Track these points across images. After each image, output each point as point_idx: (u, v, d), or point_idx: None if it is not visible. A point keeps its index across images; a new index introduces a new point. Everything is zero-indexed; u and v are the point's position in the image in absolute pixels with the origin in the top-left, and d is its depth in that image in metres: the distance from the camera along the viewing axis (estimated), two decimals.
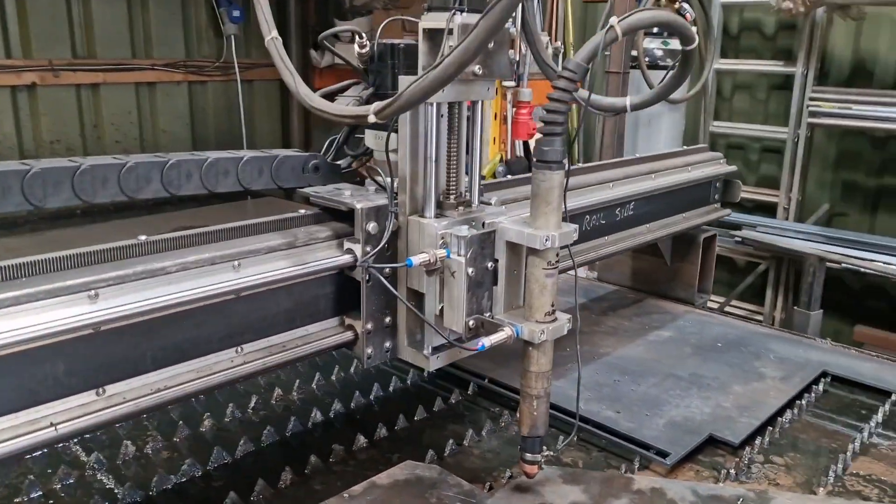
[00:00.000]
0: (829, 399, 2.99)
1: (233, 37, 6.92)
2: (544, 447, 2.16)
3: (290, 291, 2.12)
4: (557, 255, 2.00)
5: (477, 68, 2.02)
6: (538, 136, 1.94)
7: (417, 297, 2.21)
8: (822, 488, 2.38)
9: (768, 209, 7.10)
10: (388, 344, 2.27)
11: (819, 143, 7.08)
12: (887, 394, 2.99)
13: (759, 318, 7.16)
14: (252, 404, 2.79)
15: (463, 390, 2.96)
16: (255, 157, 2.21)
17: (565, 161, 1.93)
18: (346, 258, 2.15)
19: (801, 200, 7.07)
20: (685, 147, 4.00)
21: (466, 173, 2.24)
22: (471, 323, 2.07)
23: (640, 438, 2.56)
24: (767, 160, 7.44)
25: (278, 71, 2.15)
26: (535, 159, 1.94)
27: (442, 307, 2.14)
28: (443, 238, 2.08)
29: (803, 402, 2.91)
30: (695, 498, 2.21)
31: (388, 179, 2.13)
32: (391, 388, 2.96)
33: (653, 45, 5.53)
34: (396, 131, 2.13)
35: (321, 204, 2.26)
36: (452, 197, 2.18)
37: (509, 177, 2.91)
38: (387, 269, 2.11)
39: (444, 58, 1.71)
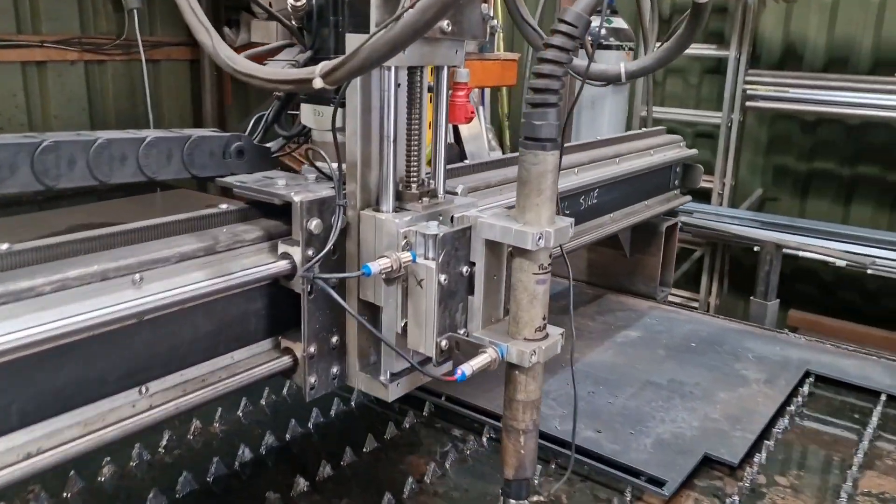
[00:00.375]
0: (817, 402, 2.73)
1: (135, 11, 6.21)
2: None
3: (210, 310, 1.65)
4: (550, 256, 1.61)
5: (446, 24, 1.61)
6: (527, 109, 1.54)
7: (371, 311, 1.79)
8: None
9: (701, 195, 6.98)
10: (335, 369, 1.83)
11: (751, 128, 7.00)
12: (876, 394, 2.76)
13: (695, 304, 7.06)
14: (164, 442, 2.29)
15: (417, 411, 2.54)
16: (162, 138, 1.73)
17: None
18: (283, 265, 1.70)
19: (734, 185, 7.00)
20: (644, 129, 3.69)
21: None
22: (443, 343, 1.66)
23: (628, 464, 2.22)
24: (699, 145, 7.31)
25: (190, 28, 1.66)
26: (522, 137, 1.54)
27: (405, 323, 1.72)
28: (406, 237, 1.66)
29: (793, 407, 2.64)
30: None
31: (334, 165, 1.69)
32: (333, 413, 2.52)
33: (594, 23, 5.20)
34: (343, 106, 1.70)
35: (248, 196, 1.79)
36: (414, 185, 1.76)
37: (466, 161, 2.51)
38: (334, 280, 1.67)
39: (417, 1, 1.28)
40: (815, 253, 5.11)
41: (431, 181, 1.82)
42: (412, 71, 1.72)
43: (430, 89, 1.81)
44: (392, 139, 1.69)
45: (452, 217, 1.76)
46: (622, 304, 3.52)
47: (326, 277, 1.58)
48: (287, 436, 2.37)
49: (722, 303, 7.15)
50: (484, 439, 2.39)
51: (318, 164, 1.84)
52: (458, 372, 1.54)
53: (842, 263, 5.64)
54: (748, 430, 2.43)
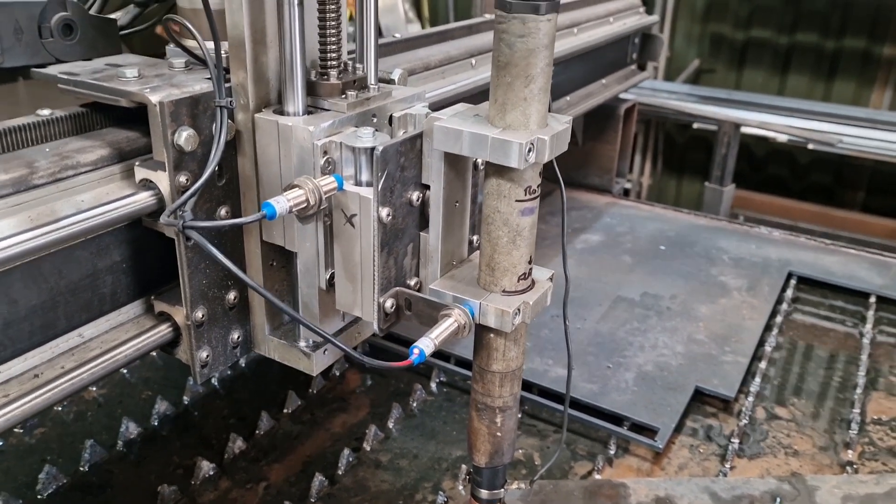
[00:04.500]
0: (805, 309, 2.41)
1: None
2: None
3: (34, 273, 1.10)
4: (541, 174, 1.11)
5: None
6: None
7: (283, 256, 1.27)
8: (850, 451, 1.79)
9: None
10: (236, 335, 1.32)
11: None
12: (865, 295, 2.46)
13: (627, 185, 6.78)
14: None
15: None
16: None
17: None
18: (144, 198, 1.14)
19: (669, 58, 6.60)
20: None
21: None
22: (387, 303, 1.17)
23: (610, 409, 1.83)
24: None
25: None
26: None
27: (332, 275, 1.21)
28: (326, 153, 1.13)
29: (780, 318, 2.31)
30: None
31: (209, 44, 1.11)
32: (242, 364, 2.02)
33: None
34: None
35: (81, 95, 1.20)
36: (333, 73, 1.20)
37: (397, 35, 1.93)
38: (223, 226, 1.13)
39: None
40: (784, 133, 4.75)
41: (358, 65, 1.26)
42: None
43: None
44: (297, 1, 1.11)
45: (392, 117, 1.22)
46: (576, 200, 3.08)
47: (202, 226, 1.03)
48: (185, 399, 1.87)
49: (654, 183, 6.90)
50: (432, 385, 1.96)
51: (187, 42, 1.25)
52: (415, 352, 1.06)
53: (783, 139, 5.38)
54: (739, 352, 2.08)
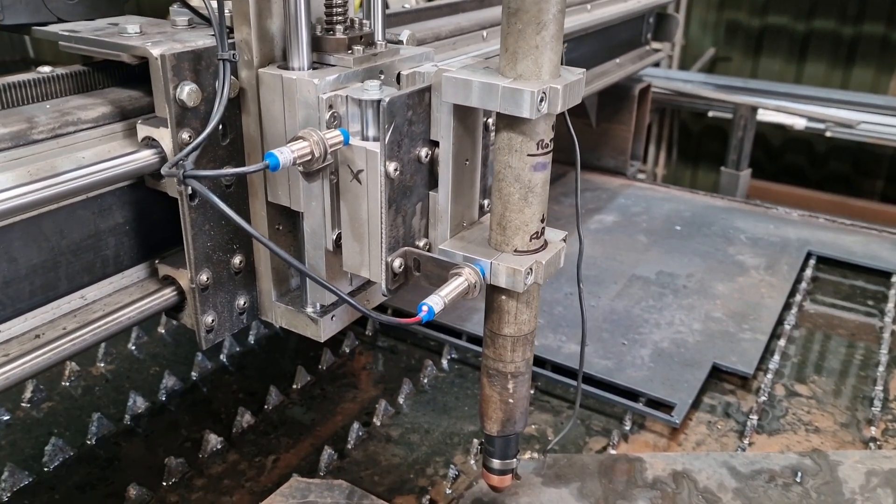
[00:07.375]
0: (825, 288, 2.35)
1: None
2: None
3: (35, 231, 1.08)
4: (553, 127, 1.08)
5: None
6: None
7: (289, 218, 1.24)
8: (873, 427, 1.74)
9: None
10: (242, 301, 1.29)
11: None
12: (886, 275, 2.40)
13: (641, 175, 6.73)
14: (27, 394, 1.74)
15: (358, 328, 2.05)
16: None
17: None
18: (146, 156, 1.12)
19: (685, 46, 6.54)
20: None
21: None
22: (395, 263, 1.14)
23: (625, 384, 1.79)
24: None
25: None
26: None
27: (338, 235, 1.18)
28: (332, 107, 1.10)
29: (799, 297, 2.26)
30: (737, 482, 1.48)
31: (213, 2, 1.08)
32: (251, 339, 2.00)
33: None
34: None
35: (85, 52, 1.18)
36: (340, 28, 1.17)
37: (406, 6, 1.90)
38: (226, 178, 1.11)
39: None
40: (800, 115, 4.66)
41: (365, 22, 1.23)
42: None
43: None
44: None
45: (399, 74, 1.19)
46: (590, 182, 3.04)
47: (204, 175, 1.00)
48: (193, 374, 1.85)
49: (669, 172, 6.84)
50: (444, 362, 1.93)
51: (191, 1, 1.22)
52: (423, 310, 1.03)
53: (801, 126, 5.29)
54: (757, 329, 2.04)
